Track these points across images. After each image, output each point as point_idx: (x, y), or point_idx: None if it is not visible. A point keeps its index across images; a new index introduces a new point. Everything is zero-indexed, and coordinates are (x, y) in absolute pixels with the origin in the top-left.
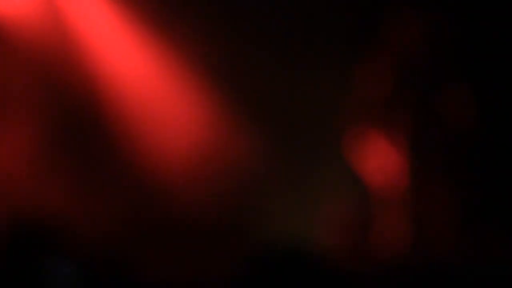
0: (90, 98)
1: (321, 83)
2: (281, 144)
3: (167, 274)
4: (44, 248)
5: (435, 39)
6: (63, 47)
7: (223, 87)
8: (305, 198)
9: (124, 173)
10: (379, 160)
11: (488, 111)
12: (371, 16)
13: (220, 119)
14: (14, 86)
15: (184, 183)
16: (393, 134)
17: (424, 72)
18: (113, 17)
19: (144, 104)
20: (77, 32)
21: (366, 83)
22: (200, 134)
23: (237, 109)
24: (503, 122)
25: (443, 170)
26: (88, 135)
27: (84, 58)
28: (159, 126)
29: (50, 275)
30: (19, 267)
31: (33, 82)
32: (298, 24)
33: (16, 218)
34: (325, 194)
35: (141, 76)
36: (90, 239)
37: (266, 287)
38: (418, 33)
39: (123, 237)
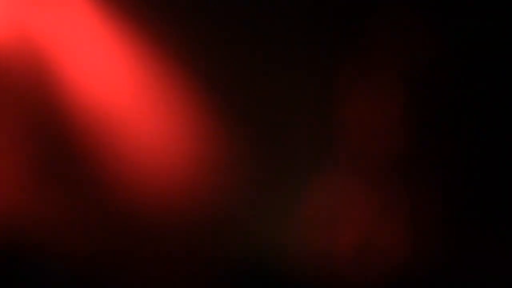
0: (72, 120)
1: (306, 88)
2: (264, 150)
3: (148, 282)
4: (30, 261)
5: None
6: (39, 70)
7: (206, 92)
8: (288, 204)
9: (109, 186)
10: (368, 162)
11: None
12: (359, 18)
13: (204, 125)
14: None
15: (166, 192)
16: (382, 136)
17: (418, 75)
18: (93, 28)
19: (130, 119)
20: (52, 51)
21: (354, 86)
22: (185, 141)
23: (220, 114)
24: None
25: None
26: (72, 154)
27: (63, 79)
28: (142, 134)
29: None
30: (4, 279)
31: (12, 106)
32: (286, 26)
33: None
34: (309, 200)
35: (125, 91)
36: (75, 252)
37: None
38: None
39: (107, 249)
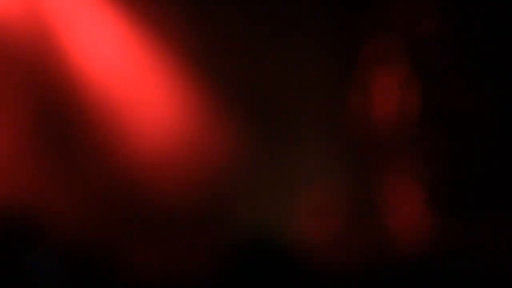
0: (72, 95)
1: (302, 76)
2: (259, 135)
3: (146, 266)
4: (26, 243)
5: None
6: (45, 44)
7: (201, 78)
8: (285, 188)
9: (104, 167)
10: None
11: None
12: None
13: (198, 109)
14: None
15: (161, 173)
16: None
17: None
18: (97, 14)
19: (127, 98)
20: (58, 29)
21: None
22: (178, 124)
23: (214, 100)
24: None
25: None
26: (70, 131)
27: (67, 57)
28: (138, 117)
29: (34, 270)
30: (2, 262)
31: (16, 80)
32: (281, 16)
33: None
34: (304, 184)
35: (123, 71)
36: (71, 232)
37: (245, 277)
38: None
39: (103, 230)
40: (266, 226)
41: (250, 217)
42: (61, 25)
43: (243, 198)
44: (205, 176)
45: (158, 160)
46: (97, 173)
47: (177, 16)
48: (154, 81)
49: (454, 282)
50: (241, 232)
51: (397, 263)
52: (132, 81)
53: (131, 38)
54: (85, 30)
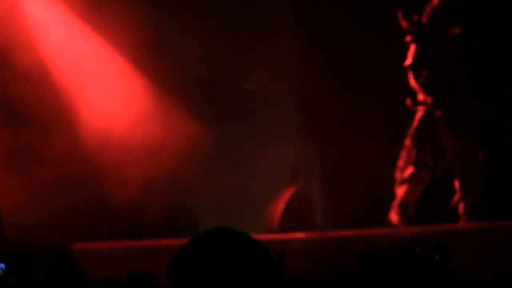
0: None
1: (267, 70)
2: (223, 129)
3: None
4: None
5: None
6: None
7: (163, 73)
8: (248, 184)
9: (61, 162)
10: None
11: None
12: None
13: (160, 104)
14: None
15: (122, 168)
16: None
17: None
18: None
19: (84, 89)
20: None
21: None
22: (141, 118)
23: (176, 94)
24: None
25: None
26: (28, 120)
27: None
28: (97, 108)
29: None
30: None
31: None
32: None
33: None
34: (266, 181)
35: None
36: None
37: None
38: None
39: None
40: (227, 220)
41: (210, 208)
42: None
43: (202, 190)
44: (165, 170)
45: (118, 159)
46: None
47: (136, 14)
48: (114, 78)
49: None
50: (201, 224)
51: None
52: (93, 78)
53: (91, 36)
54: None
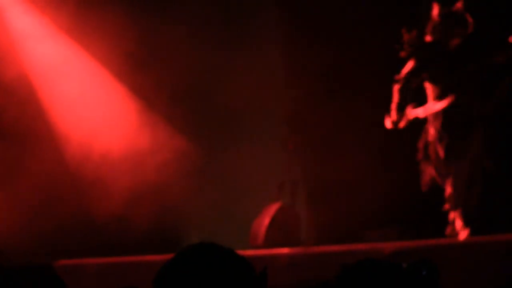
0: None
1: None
2: (204, 141)
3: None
4: None
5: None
6: None
7: (141, 82)
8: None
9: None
10: None
11: None
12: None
13: (141, 115)
14: None
15: (104, 179)
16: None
17: None
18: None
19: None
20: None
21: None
22: (126, 131)
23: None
24: None
25: None
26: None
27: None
28: (81, 121)
29: None
30: None
31: None
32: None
33: None
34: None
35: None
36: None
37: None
38: None
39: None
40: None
41: (192, 216)
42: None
43: (185, 198)
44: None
45: (103, 172)
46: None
47: (120, 26)
48: (98, 91)
49: None
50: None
51: None
52: (76, 91)
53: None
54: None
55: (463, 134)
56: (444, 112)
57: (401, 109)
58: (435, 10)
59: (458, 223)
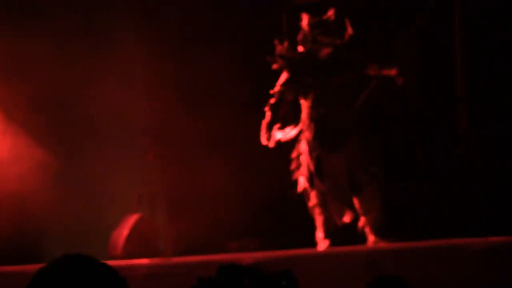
0: None
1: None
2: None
3: None
4: None
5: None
6: None
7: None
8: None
9: None
10: None
11: None
12: None
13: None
14: None
15: None
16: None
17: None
18: None
19: None
20: None
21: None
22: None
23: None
24: None
25: None
26: None
27: None
28: None
29: None
30: None
31: None
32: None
33: None
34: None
35: None
36: None
37: None
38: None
39: None
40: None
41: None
42: None
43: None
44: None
45: None
46: None
47: None
48: None
49: None
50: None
51: None
52: None
53: None
54: None
55: (336, 145)
56: (316, 122)
57: (271, 127)
58: (305, 20)
59: (320, 234)
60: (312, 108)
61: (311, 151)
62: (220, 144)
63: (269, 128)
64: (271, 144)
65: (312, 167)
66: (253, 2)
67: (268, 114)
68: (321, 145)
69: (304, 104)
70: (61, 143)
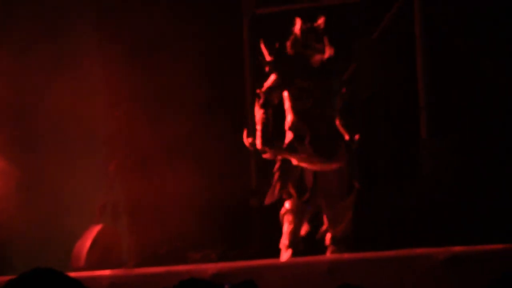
0: None
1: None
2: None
3: None
4: None
5: None
6: None
7: None
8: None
9: None
10: None
11: None
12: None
13: None
14: None
15: None
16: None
17: None
18: None
19: None
20: None
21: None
22: None
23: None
24: None
25: None
26: None
27: None
28: None
29: None
30: None
31: None
32: None
33: None
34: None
35: None
36: None
37: None
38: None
39: None
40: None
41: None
42: None
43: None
44: None
45: None
46: None
47: None
48: None
49: None
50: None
51: None
52: None
53: None
54: None
55: (331, 153)
56: (309, 127)
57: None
58: (297, 25)
59: (285, 242)
60: (304, 111)
61: (301, 159)
62: (183, 153)
63: (264, 133)
64: (268, 156)
65: (309, 182)
66: (214, 10)
67: (259, 114)
68: (314, 151)
69: (290, 109)
70: (22, 152)
